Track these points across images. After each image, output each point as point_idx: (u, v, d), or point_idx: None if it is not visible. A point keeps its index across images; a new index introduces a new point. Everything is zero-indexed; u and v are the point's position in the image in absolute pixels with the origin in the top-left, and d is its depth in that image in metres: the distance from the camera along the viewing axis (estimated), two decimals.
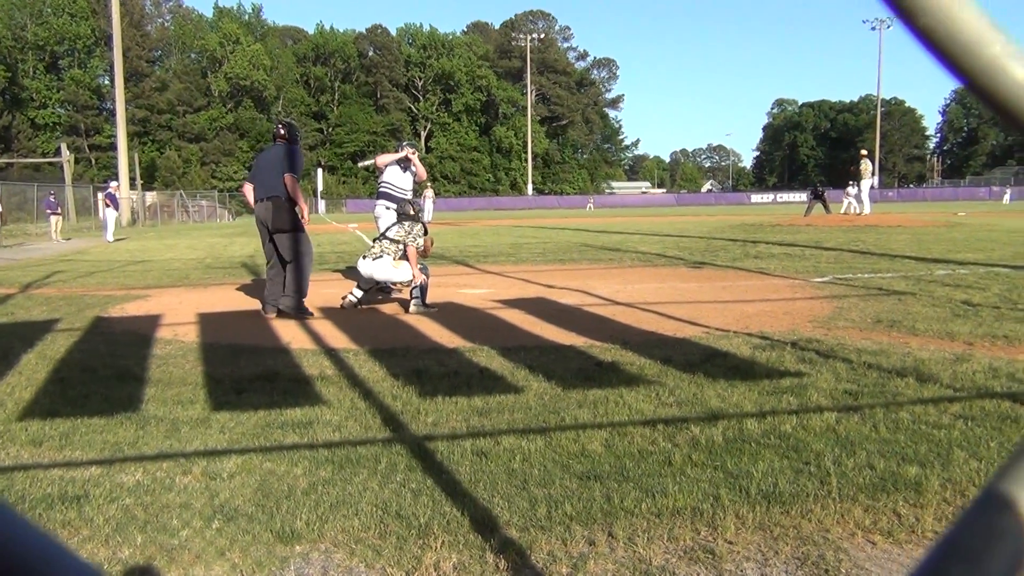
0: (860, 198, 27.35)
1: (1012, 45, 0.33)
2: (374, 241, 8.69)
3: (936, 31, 0.33)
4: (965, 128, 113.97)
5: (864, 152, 27.82)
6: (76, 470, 3.58)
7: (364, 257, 8.51)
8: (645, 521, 2.92)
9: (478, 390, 4.85)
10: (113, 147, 54.55)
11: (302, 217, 8.35)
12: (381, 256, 8.34)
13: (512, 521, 2.95)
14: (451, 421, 4.24)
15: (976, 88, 0.33)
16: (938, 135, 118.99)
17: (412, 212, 8.72)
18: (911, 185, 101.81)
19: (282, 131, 8.43)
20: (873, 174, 28.64)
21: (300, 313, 8.02)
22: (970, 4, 0.33)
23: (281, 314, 8.12)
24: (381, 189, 10.03)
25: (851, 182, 29.16)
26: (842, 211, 29.52)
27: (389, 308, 8.65)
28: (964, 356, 5.42)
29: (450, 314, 8.08)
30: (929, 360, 5.32)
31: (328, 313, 8.33)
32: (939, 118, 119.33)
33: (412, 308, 8.21)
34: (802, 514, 2.95)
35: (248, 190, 8.37)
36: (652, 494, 3.14)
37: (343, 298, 8.54)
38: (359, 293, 8.60)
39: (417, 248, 8.39)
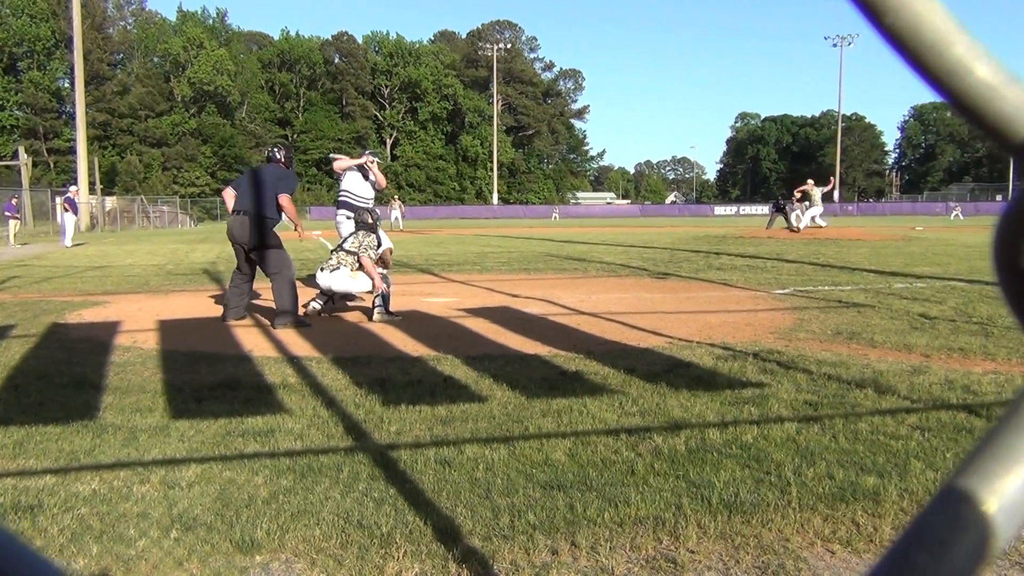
0: (799, 214, 28.12)
1: (976, 46, 0.34)
2: (332, 252, 8.62)
3: (902, 31, 0.34)
4: (923, 145, 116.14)
5: (811, 181, 28.83)
6: (30, 479, 3.50)
7: (321, 269, 8.45)
8: (608, 530, 2.93)
9: (442, 399, 4.84)
10: (72, 151, 53.63)
11: (299, 234, 8.43)
12: (338, 268, 8.29)
13: (475, 530, 2.94)
14: (414, 430, 4.22)
15: (941, 88, 0.34)
16: (897, 151, 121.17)
17: (370, 221, 8.66)
18: (870, 200, 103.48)
19: (279, 156, 8.34)
20: (834, 189, 29.07)
21: (300, 325, 7.84)
22: (935, 5, 0.34)
23: (266, 322, 8.03)
24: (340, 198, 9.91)
25: (794, 199, 30.17)
26: (803, 225, 29.82)
27: (352, 316, 8.59)
28: (921, 368, 5.52)
29: (414, 323, 8.05)
30: (887, 372, 5.40)
31: None
32: (898, 134, 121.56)
33: (376, 316, 8.17)
34: (763, 523, 2.98)
35: (228, 195, 8.21)
36: (615, 503, 3.15)
37: (304, 306, 8.46)
38: (321, 301, 8.54)
39: (371, 258, 8.33)
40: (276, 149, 8.46)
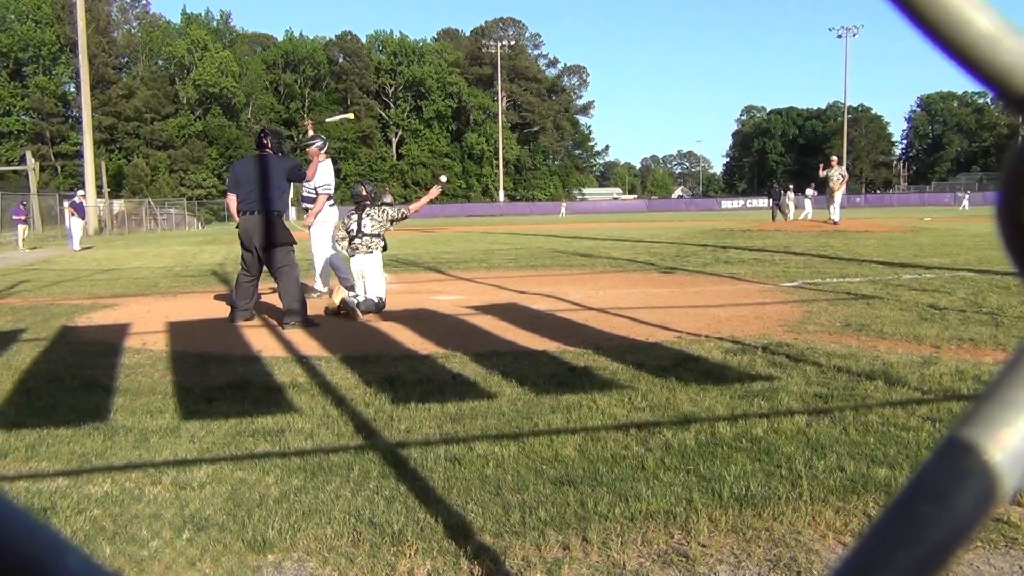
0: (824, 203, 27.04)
1: None
2: (345, 240, 8.57)
3: None
4: (930, 135, 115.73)
5: (835, 159, 27.39)
6: (42, 482, 3.52)
7: (352, 254, 8.48)
8: (619, 525, 2.93)
9: (451, 396, 4.84)
10: (79, 155, 53.77)
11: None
12: (371, 252, 8.31)
13: (486, 527, 2.94)
14: (424, 428, 4.22)
15: (941, 41, 0.34)
16: (904, 142, 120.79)
17: (364, 192, 8.60)
18: (878, 191, 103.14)
19: (266, 141, 8.14)
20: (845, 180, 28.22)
21: (308, 325, 7.78)
22: None
23: (265, 322, 8.04)
24: (306, 194, 9.94)
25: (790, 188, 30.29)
26: (836, 217, 28.72)
27: (363, 316, 8.58)
28: (931, 359, 5.50)
29: (422, 320, 8.05)
30: (897, 363, 5.38)
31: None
32: (904, 125, 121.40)
33: (361, 311, 8.12)
34: (774, 517, 2.97)
35: (232, 201, 8.09)
36: (626, 498, 3.14)
37: (358, 306, 8.37)
38: (353, 295, 8.51)
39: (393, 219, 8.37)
40: (263, 136, 8.23)
